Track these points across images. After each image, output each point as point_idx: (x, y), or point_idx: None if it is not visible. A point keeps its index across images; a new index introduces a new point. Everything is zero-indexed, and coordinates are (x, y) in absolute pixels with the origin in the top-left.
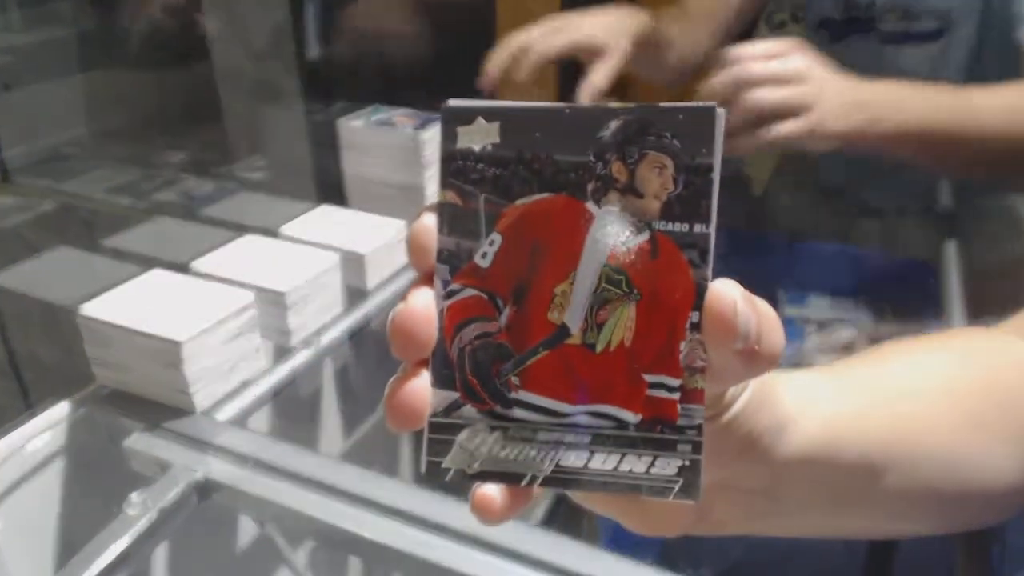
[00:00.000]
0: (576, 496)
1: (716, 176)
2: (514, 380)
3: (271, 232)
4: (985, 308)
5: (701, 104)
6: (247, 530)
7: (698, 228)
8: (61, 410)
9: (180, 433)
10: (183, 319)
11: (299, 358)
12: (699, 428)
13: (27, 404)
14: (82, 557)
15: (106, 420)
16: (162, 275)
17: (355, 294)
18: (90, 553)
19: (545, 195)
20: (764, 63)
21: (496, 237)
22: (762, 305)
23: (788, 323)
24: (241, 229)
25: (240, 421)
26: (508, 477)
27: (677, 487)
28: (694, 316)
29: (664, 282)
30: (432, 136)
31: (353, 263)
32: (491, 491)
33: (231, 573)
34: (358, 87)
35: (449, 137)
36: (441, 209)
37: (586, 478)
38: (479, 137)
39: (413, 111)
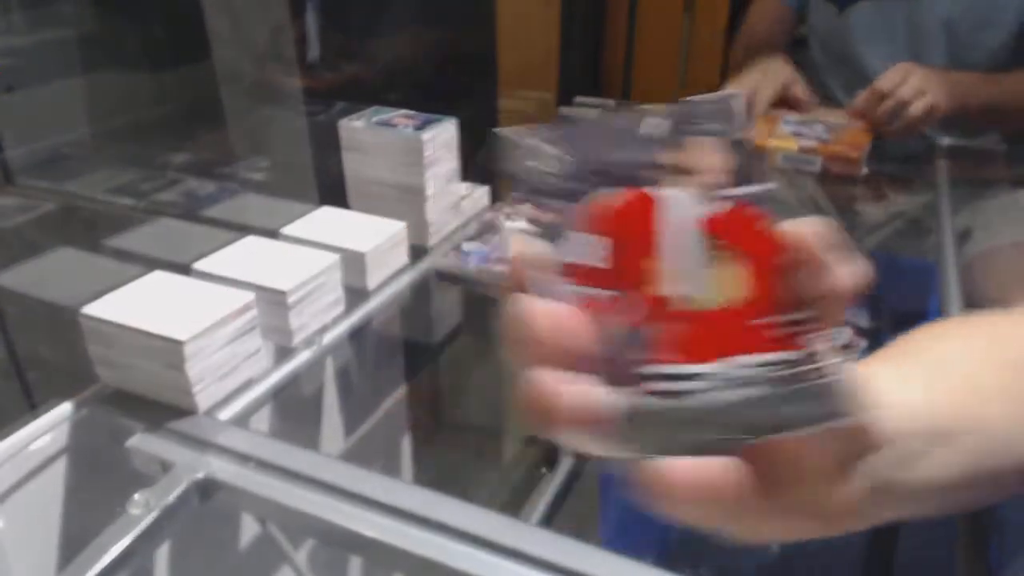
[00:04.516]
0: (746, 533)
1: (747, 146)
2: (658, 357)
3: (272, 233)
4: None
5: (725, 92)
6: (249, 529)
7: (752, 187)
8: (63, 410)
9: (182, 433)
10: (185, 319)
11: (300, 358)
12: (830, 349)
13: (30, 404)
14: (85, 557)
15: (108, 420)
16: (164, 276)
17: (356, 294)
18: (93, 552)
19: (617, 191)
20: (905, 86)
21: (585, 237)
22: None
23: None
24: (242, 230)
25: (242, 421)
26: (689, 450)
27: (840, 408)
28: (783, 255)
29: (748, 236)
30: (432, 137)
31: (354, 262)
32: (669, 471)
33: (233, 571)
34: (359, 88)
35: (513, 162)
36: (528, 225)
37: (758, 428)
38: (541, 157)
39: (414, 112)
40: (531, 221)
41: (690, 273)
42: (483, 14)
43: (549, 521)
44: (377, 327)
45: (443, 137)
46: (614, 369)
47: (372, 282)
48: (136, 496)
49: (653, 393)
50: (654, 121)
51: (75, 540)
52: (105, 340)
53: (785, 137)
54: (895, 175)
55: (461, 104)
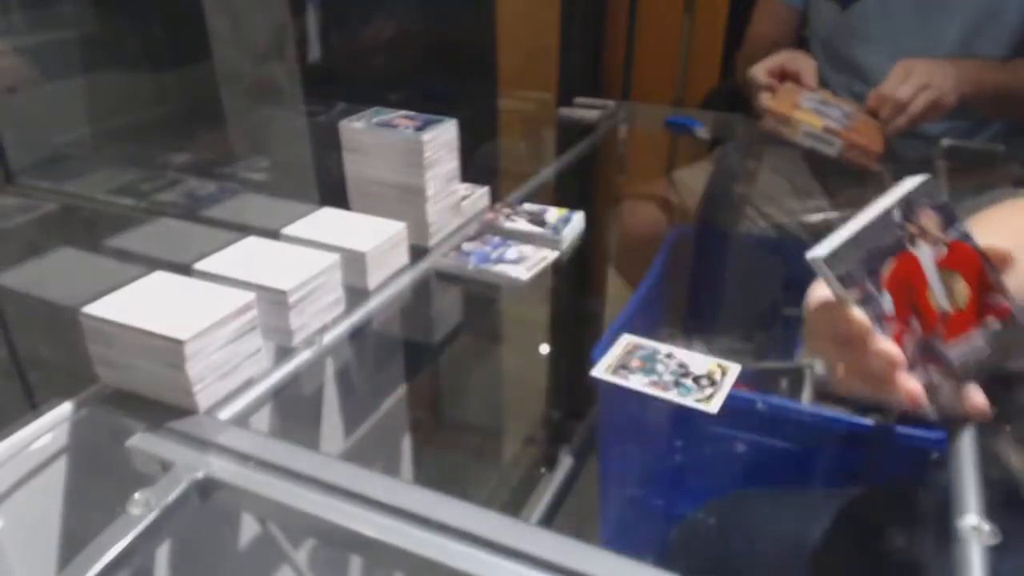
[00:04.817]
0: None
1: (949, 204)
2: (942, 345)
3: (273, 234)
4: None
5: (921, 178)
6: (249, 528)
7: (960, 230)
8: (64, 410)
9: (182, 432)
10: (185, 319)
11: (300, 358)
12: (1017, 307)
13: (30, 404)
14: (85, 556)
15: (108, 420)
16: (164, 276)
17: (356, 294)
18: (93, 552)
19: (892, 258)
20: (905, 85)
21: (887, 295)
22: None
23: (787, 323)
24: (243, 231)
25: (242, 420)
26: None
27: None
28: (985, 264)
29: (966, 261)
30: (432, 137)
31: (354, 262)
32: (976, 398)
33: (233, 571)
34: (359, 88)
35: (831, 267)
36: (850, 301)
37: (1001, 361)
38: (841, 258)
39: (414, 113)
40: (850, 301)
41: (941, 295)
42: (483, 14)
43: (549, 521)
44: (377, 327)
45: (443, 138)
46: (923, 362)
47: (372, 282)
48: (136, 496)
49: (943, 365)
50: (900, 211)
51: (75, 540)
52: (105, 340)
53: (809, 112)
54: (897, 174)
55: (461, 104)
